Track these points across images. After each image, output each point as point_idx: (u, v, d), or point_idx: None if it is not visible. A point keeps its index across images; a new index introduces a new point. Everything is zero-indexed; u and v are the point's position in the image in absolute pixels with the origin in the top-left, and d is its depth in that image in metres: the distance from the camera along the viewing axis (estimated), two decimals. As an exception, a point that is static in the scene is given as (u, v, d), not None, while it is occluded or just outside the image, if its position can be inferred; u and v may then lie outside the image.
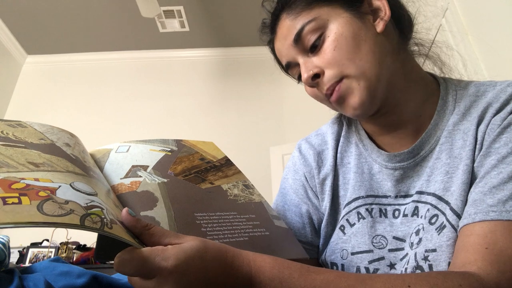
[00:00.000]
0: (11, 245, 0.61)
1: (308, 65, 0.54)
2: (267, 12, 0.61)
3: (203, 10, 3.09)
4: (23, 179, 0.34)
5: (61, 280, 0.48)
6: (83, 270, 0.50)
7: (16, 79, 3.43)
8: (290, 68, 0.59)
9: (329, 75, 0.53)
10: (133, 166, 0.49)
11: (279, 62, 0.63)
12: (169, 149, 0.56)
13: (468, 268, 0.40)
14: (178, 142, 0.58)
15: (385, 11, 0.54)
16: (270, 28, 0.61)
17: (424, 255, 0.47)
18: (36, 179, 0.35)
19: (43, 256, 2.38)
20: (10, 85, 3.35)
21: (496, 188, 0.44)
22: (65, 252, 2.30)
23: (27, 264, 2.31)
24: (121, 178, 0.46)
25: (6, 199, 0.30)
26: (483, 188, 0.45)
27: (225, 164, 0.59)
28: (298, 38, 0.54)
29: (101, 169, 0.48)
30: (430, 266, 0.46)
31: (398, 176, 0.56)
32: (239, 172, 0.59)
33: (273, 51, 0.63)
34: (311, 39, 0.53)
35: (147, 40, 3.41)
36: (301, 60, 0.55)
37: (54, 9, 3.00)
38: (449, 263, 0.45)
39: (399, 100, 0.56)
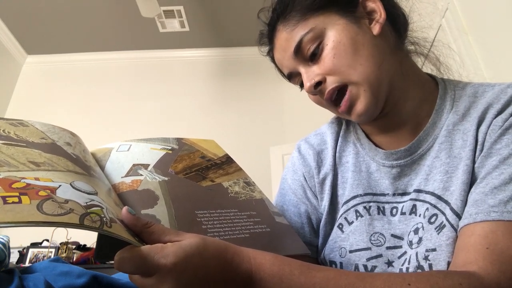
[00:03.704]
0: (11, 245, 0.61)
1: (309, 74, 0.55)
2: (263, 23, 0.62)
3: (203, 10, 3.09)
4: (23, 178, 0.34)
5: (61, 280, 0.48)
6: (83, 270, 0.50)
7: (16, 79, 3.43)
8: (292, 77, 0.60)
9: (330, 81, 0.54)
10: (134, 165, 0.49)
11: (280, 70, 0.63)
12: (170, 148, 0.56)
13: (468, 267, 0.40)
14: (179, 141, 0.58)
15: (380, 13, 0.55)
16: (268, 39, 0.62)
17: (424, 254, 0.47)
18: (37, 179, 0.35)
19: (43, 256, 2.38)
20: (10, 85, 3.35)
21: (497, 188, 0.44)
22: (65, 252, 2.30)
23: (27, 264, 2.31)
24: (122, 177, 0.46)
25: (7, 199, 0.30)
26: (484, 189, 0.45)
27: (226, 162, 0.59)
28: (298, 50, 0.55)
29: (102, 168, 0.48)
30: (430, 266, 0.46)
31: (395, 173, 0.56)
32: (240, 169, 0.59)
33: (273, 60, 0.63)
34: (310, 48, 0.54)
35: (147, 40, 3.41)
36: (302, 69, 0.56)
37: (54, 9, 3.00)
38: (449, 262, 0.45)
39: (398, 100, 0.57)
